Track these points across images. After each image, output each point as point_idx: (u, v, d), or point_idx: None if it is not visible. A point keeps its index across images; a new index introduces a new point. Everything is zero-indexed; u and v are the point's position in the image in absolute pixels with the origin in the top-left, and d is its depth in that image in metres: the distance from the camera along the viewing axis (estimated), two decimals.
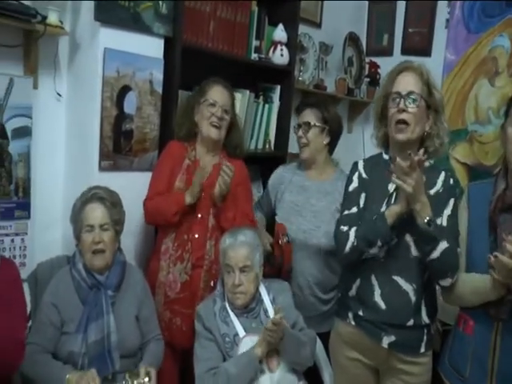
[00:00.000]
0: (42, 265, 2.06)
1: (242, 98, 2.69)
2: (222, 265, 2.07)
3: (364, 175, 1.98)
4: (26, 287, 1.83)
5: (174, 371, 2.30)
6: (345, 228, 1.89)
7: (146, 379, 1.82)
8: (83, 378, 1.73)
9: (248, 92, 2.73)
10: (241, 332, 1.99)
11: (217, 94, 2.25)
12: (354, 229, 1.86)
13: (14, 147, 2.12)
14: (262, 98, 2.89)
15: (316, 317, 2.33)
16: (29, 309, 1.85)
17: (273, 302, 2.08)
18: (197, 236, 2.21)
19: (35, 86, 2.19)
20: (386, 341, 1.87)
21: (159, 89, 2.36)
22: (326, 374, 2.23)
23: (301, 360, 2.02)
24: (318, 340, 2.18)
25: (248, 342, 1.96)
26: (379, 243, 1.80)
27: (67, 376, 1.75)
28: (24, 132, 2.14)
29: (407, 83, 1.86)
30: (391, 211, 1.80)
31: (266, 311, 2.05)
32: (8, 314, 1.59)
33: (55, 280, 1.95)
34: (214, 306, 2.05)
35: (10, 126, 2.10)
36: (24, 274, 1.87)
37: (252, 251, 2.04)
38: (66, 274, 1.95)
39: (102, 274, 1.94)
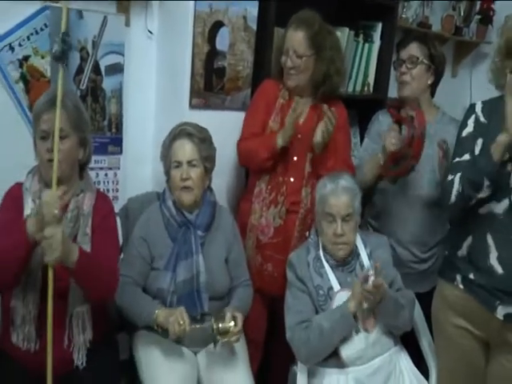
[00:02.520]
0: (133, 200, 2.01)
1: (340, 36, 2.38)
2: (318, 213, 1.87)
3: (482, 119, 1.65)
4: (117, 221, 1.80)
5: (263, 318, 2.18)
6: (451, 176, 1.62)
7: (232, 323, 1.70)
8: (172, 315, 1.67)
9: (347, 30, 2.44)
10: (335, 286, 1.82)
11: (288, 38, 2.01)
12: (458, 174, 1.59)
13: (107, 84, 2.11)
14: (361, 36, 2.57)
15: (413, 275, 2.08)
16: (120, 242, 1.82)
17: (370, 256, 1.88)
18: (292, 180, 2.05)
19: (127, 24, 2.14)
20: (501, 311, 1.58)
21: (253, 25, 2.19)
22: (425, 342, 1.98)
23: (398, 324, 1.82)
24: (417, 303, 1.94)
25: (343, 297, 1.78)
26: (486, 182, 1.51)
27: (156, 311, 1.70)
28: (116, 69, 2.12)
29: None
30: (498, 143, 1.49)
31: (362, 266, 1.86)
32: (104, 244, 1.60)
33: (145, 215, 1.88)
34: (308, 255, 1.88)
35: (103, 63, 2.09)
36: (116, 207, 1.83)
37: (353, 198, 1.84)
38: (156, 209, 1.88)
39: (191, 213, 1.84)
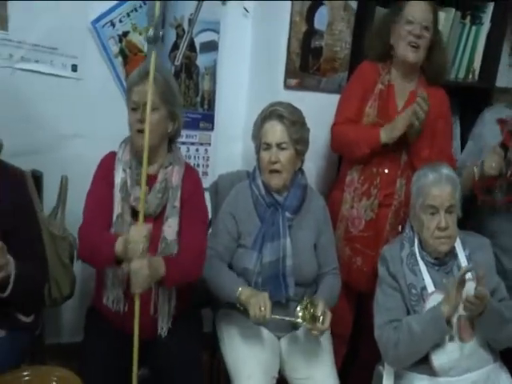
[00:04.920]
0: (223, 176, 1.95)
1: (445, 17, 2.16)
2: (416, 206, 1.69)
3: None
4: (207, 196, 1.77)
5: (350, 313, 2.05)
6: None
7: (321, 318, 1.58)
8: (255, 296, 1.59)
9: (454, 10, 2.19)
10: (430, 286, 1.64)
11: (415, 8, 1.84)
12: None
13: (202, 60, 2.10)
14: (469, 18, 2.29)
15: None
16: (209, 217, 1.79)
17: (469, 258, 1.68)
18: (387, 171, 1.88)
19: (223, 2, 2.07)
20: None
21: (354, 4, 2.04)
22: None
23: (500, 338, 1.62)
24: None
25: (437, 300, 1.60)
26: None
27: (239, 288, 1.63)
28: (211, 46, 2.09)
29: None
30: None
31: (459, 267, 1.66)
32: (192, 219, 1.60)
33: (235, 191, 1.81)
34: (402, 251, 1.71)
35: (198, 40, 2.08)
36: (206, 183, 1.82)
37: (456, 188, 1.66)
38: (246, 187, 1.80)
39: (280, 194, 1.74)
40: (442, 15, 2.13)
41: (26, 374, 1.35)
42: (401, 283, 1.68)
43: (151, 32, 1.47)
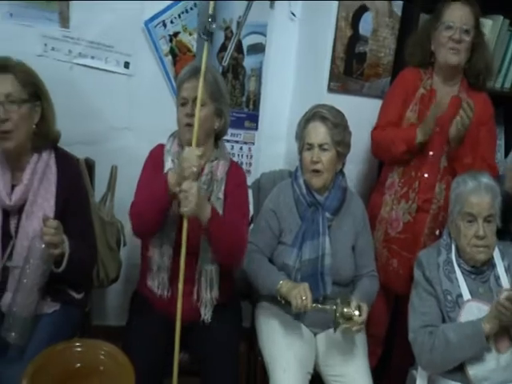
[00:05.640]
0: (266, 175, 2.00)
1: (492, 25, 2.12)
2: (454, 213, 1.68)
3: None
4: (249, 193, 1.81)
5: (385, 314, 2.04)
6: None
7: (357, 312, 1.59)
8: (296, 288, 1.61)
9: (502, 18, 2.14)
10: (465, 294, 1.62)
11: (454, 13, 1.83)
12: None
13: (248, 62, 2.15)
14: None
15: None
16: (251, 213, 1.83)
17: (507, 269, 1.66)
18: (426, 176, 1.88)
19: (271, 6, 2.12)
20: None
21: (399, 11, 2.04)
22: None
23: None
24: None
25: (473, 308, 1.59)
26: None
27: (281, 281, 1.65)
28: (258, 48, 2.14)
29: None
30: None
31: (497, 278, 1.64)
32: (235, 211, 1.64)
33: (277, 189, 1.85)
34: (439, 256, 1.70)
35: (246, 42, 2.12)
36: (248, 181, 1.85)
37: (495, 198, 1.64)
38: (288, 185, 1.83)
39: (321, 194, 1.76)
40: (488, 22, 2.11)
41: (77, 345, 1.42)
42: (436, 289, 1.66)
43: (204, 26, 1.54)
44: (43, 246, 1.42)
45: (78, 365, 1.39)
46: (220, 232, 1.54)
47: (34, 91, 1.55)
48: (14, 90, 1.50)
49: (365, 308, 1.61)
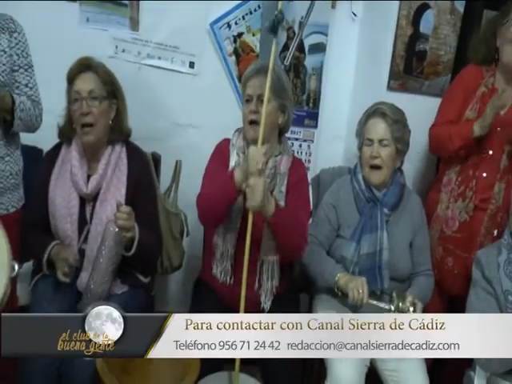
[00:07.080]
0: (325, 171, 2.03)
1: None
2: None
3: None
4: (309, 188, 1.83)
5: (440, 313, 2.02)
6: None
7: (411, 309, 1.58)
8: (353, 281, 1.63)
9: None
10: None
11: None
12: None
13: (309, 61, 2.15)
14: None
15: None
16: (311, 207, 1.85)
17: None
18: (485, 175, 1.84)
19: (333, 6, 2.13)
20: None
21: (461, 7, 2.01)
22: None
23: None
24: None
25: None
26: None
27: (338, 274, 1.68)
28: (319, 48, 2.15)
29: None
30: None
31: None
32: (296, 204, 1.67)
33: (337, 184, 1.87)
34: (499, 256, 1.65)
35: (307, 42, 2.14)
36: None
37: None
38: (347, 181, 1.85)
39: (379, 190, 1.77)
40: None
41: None
42: (496, 289, 1.62)
43: (270, 22, 1.58)
44: (116, 229, 1.51)
45: None
46: (283, 225, 1.57)
47: (112, 90, 1.66)
48: (95, 87, 1.62)
49: (419, 305, 1.60)
